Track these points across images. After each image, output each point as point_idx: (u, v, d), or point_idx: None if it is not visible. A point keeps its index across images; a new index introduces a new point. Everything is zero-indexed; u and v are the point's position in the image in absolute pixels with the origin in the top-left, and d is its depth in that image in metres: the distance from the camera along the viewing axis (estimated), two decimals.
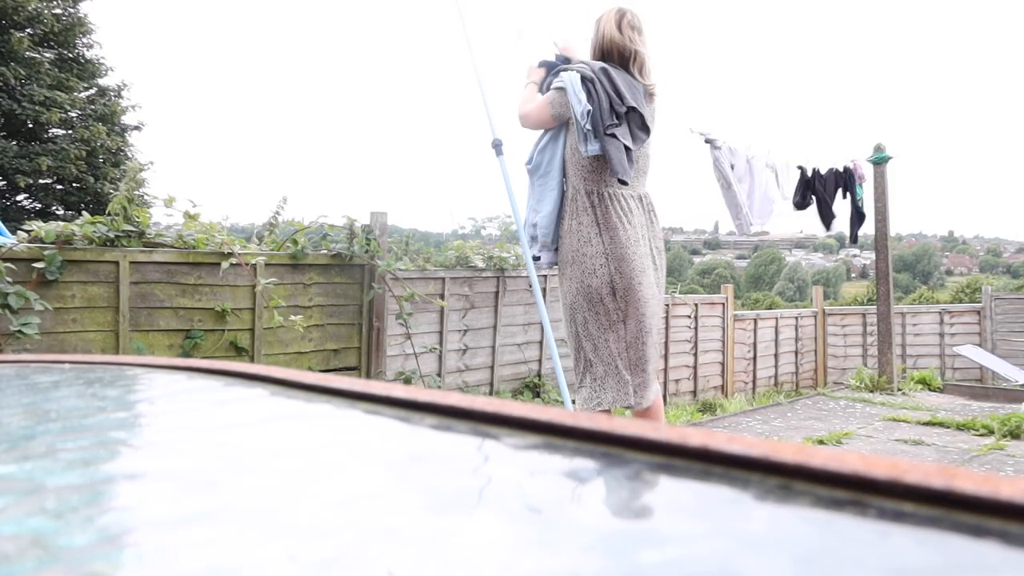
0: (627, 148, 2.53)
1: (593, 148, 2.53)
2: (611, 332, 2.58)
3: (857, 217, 5.73)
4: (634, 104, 2.57)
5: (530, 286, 6.01)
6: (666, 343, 7.58)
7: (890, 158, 5.81)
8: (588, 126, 2.51)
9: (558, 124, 2.68)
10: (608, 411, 2.61)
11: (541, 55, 3.02)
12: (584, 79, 2.57)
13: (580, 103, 2.53)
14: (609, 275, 2.55)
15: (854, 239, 5.88)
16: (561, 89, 2.62)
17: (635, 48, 2.66)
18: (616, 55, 2.66)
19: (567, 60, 2.91)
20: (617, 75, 2.60)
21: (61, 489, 0.40)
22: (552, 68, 2.87)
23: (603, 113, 2.52)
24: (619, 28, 2.64)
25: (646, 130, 2.63)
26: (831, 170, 5.51)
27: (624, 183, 2.55)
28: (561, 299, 2.71)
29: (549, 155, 2.70)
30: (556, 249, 2.72)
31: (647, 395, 2.64)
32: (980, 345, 9.76)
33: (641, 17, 2.68)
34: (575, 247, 2.59)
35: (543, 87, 2.81)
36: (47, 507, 0.37)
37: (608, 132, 2.51)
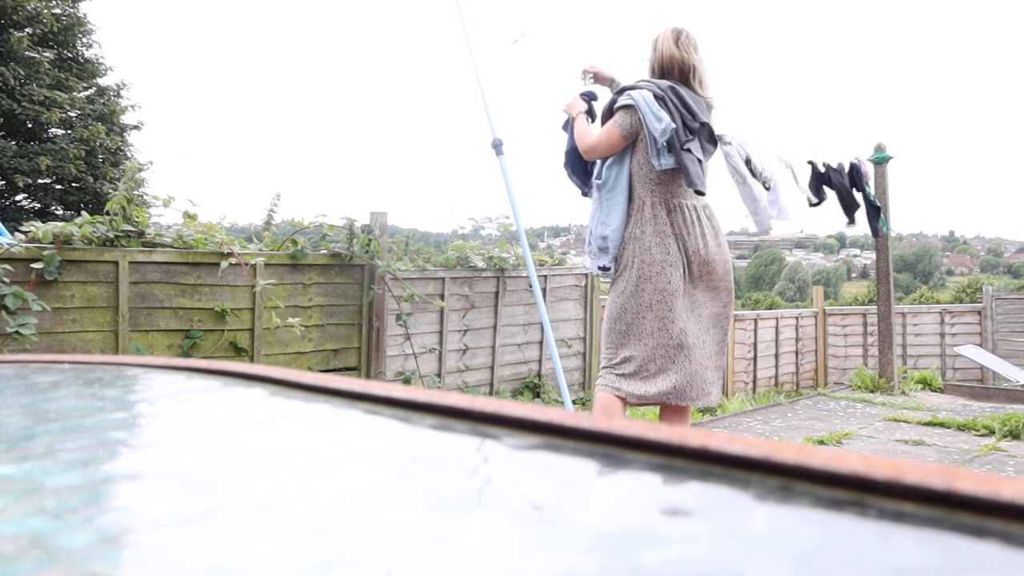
0: (699, 160, 2.68)
1: (667, 162, 2.65)
2: (659, 333, 2.68)
3: (874, 211, 5.63)
4: (704, 119, 2.72)
5: (531, 286, 6.01)
6: None
7: (890, 158, 5.81)
8: (664, 141, 2.62)
9: (628, 143, 2.76)
10: (626, 401, 2.74)
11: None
12: (656, 97, 2.67)
13: (661, 121, 2.63)
14: (667, 279, 2.67)
15: (875, 233, 5.77)
16: (628, 108, 2.71)
17: (694, 63, 2.78)
18: (676, 71, 2.77)
19: (596, 95, 3.04)
20: (684, 92, 2.73)
21: (60, 489, 0.40)
22: (591, 98, 3.01)
23: (679, 131, 2.65)
24: (677, 45, 2.77)
25: (714, 142, 2.79)
26: (840, 165, 5.43)
27: (701, 193, 2.70)
28: (611, 298, 2.81)
29: (616, 171, 2.79)
30: None
31: (686, 394, 2.73)
32: (981, 345, 9.76)
33: (695, 35, 2.83)
34: (636, 253, 2.72)
35: (604, 116, 2.89)
36: (46, 507, 0.37)
37: (684, 147, 2.64)
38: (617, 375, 2.72)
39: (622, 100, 2.72)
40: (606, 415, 3.01)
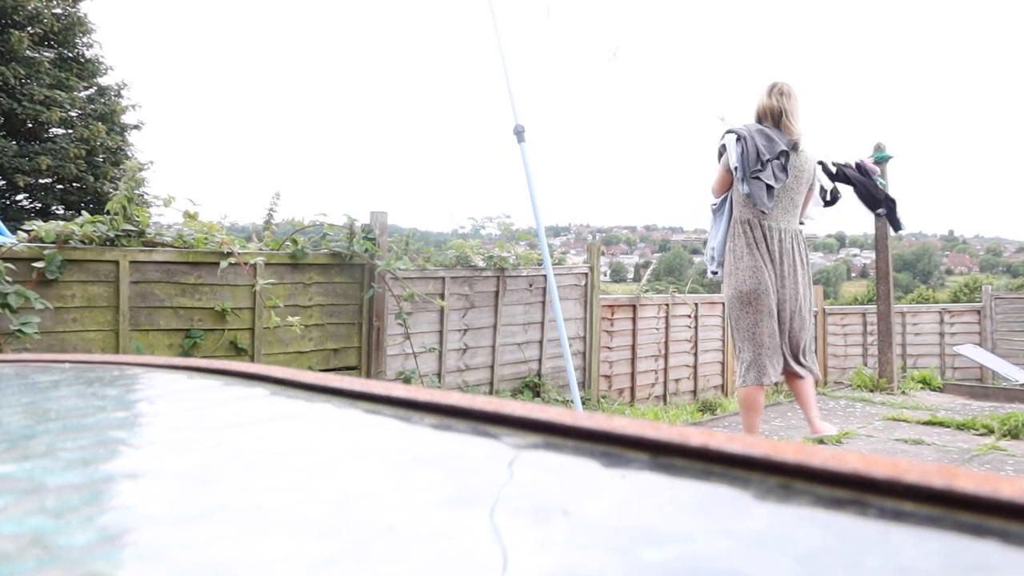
0: (769, 186, 3.34)
1: (744, 188, 3.36)
2: (757, 326, 3.38)
3: (892, 204, 5.35)
4: (770, 155, 3.35)
5: (530, 286, 6.01)
6: (666, 343, 7.58)
7: (890, 157, 5.79)
8: (740, 174, 3.37)
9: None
10: (762, 386, 3.40)
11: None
12: (739, 138, 3.37)
13: (732, 160, 3.38)
14: (756, 283, 3.36)
15: (896, 227, 5.49)
16: (723, 147, 3.47)
17: (783, 108, 3.43)
18: (769, 116, 3.45)
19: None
20: (768, 131, 3.39)
21: (61, 488, 0.40)
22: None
23: (750, 161, 3.33)
24: (769, 95, 3.45)
25: (785, 172, 3.40)
26: (847, 164, 5.23)
27: (763, 212, 3.37)
28: (724, 300, 3.60)
29: (724, 196, 3.54)
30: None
31: (785, 369, 3.42)
32: (980, 344, 9.75)
33: (791, 86, 3.48)
34: (732, 262, 3.43)
35: (718, 154, 3.60)
36: (47, 506, 0.37)
37: (753, 176, 3.32)
38: (743, 372, 3.41)
39: (720, 142, 3.48)
40: (746, 406, 3.27)
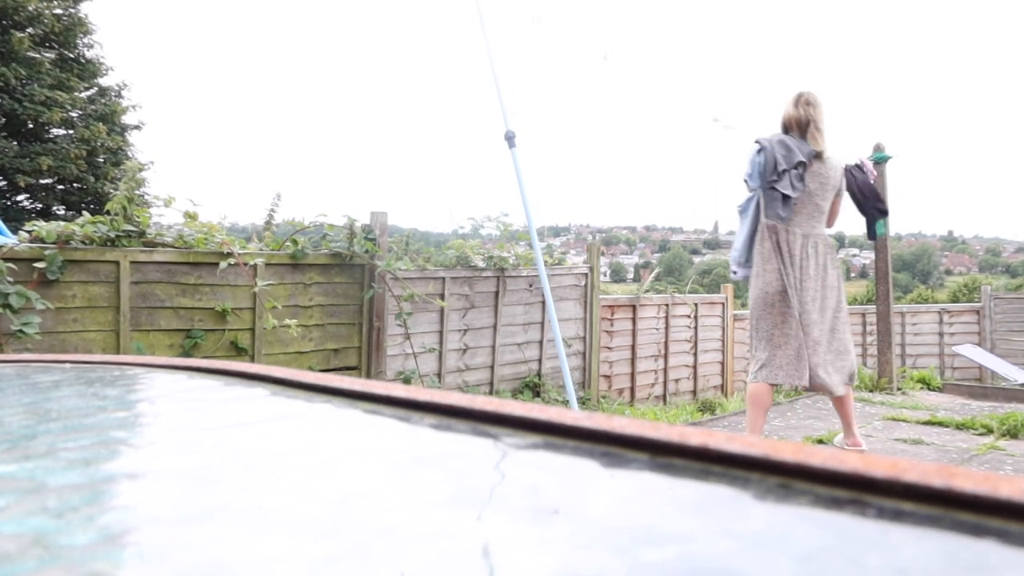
0: (785, 196, 3.41)
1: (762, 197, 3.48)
2: (777, 328, 3.43)
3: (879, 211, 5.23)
4: (787, 166, 3.41)
5: (530, 286, 6.01)
6: (666, 343, 7.58)
7: (890, 158, 5.80)
8: (754, 183, 3.47)
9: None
10: (772, 385, 3.43)
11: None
12: (760, 149, 3.44)
13: (747, 169, 3.48)
14: (782, 286, 3.41)
15: (872, 235, 5.44)
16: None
17: (809, 117, 3.46)
18: (794, 125, 3.49)
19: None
20: (789, 142, 3.43)
21: (62, 488, 0.40)
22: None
23: (767, 171, 3.41)
24: (795, 106, 3.49)
25: (803, 182, 3.46)
26: (847, 167, 5.11)
27: (784, 218, 3.44)
28: (749, 300, 3.64)
29: (749, 200, 3.61)
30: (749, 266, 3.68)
31: (804, 377, 3.39)
32: (979, 344, 9.75)
33: (817, 95, 3.51)
34: (760, 264, 3.50)
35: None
36: (48, 506, 0.37)
37: (769, 185, 3.41)
38: (755, 369, 3.46)
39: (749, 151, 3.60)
40: (753, 402, 3.26)
